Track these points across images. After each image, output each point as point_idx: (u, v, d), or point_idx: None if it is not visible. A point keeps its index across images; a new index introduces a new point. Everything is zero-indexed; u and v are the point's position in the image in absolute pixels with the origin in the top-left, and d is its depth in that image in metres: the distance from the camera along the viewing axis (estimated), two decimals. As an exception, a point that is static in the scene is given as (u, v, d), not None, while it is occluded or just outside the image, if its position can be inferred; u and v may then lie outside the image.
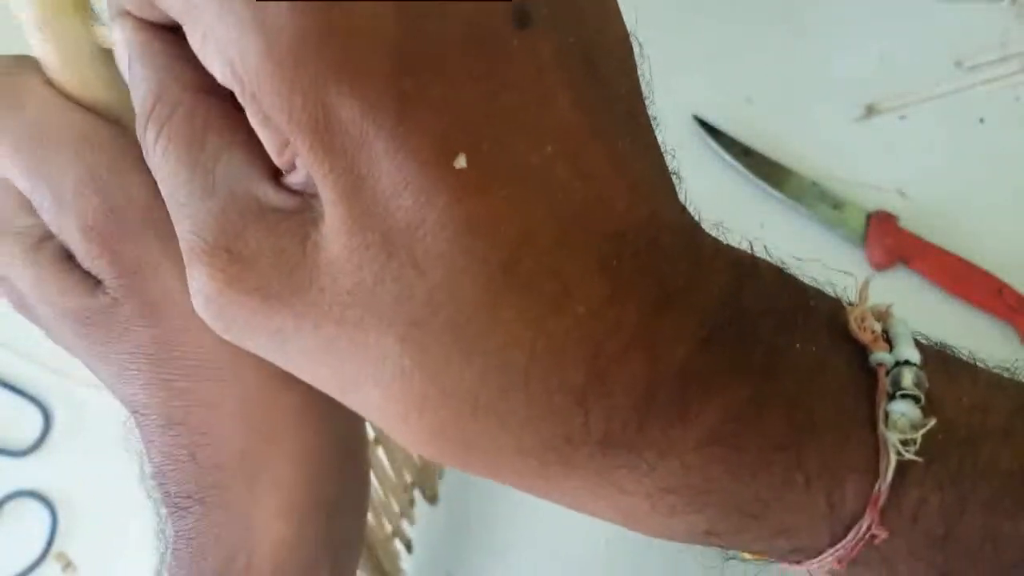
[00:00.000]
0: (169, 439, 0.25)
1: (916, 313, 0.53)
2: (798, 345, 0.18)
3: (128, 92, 0.22)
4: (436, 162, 0.14)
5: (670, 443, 0.17)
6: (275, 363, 0.17)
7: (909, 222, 0.49)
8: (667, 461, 0.17)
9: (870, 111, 0.52)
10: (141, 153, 0.19)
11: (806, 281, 0.20)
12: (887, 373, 0.18)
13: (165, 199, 0.18)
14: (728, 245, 0.19)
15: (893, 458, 0.17)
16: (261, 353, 0.17)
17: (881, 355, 0.18)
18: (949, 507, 0.17)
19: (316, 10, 0.14)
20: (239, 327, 0.17)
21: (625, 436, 0.16)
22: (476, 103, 0.15)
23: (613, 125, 0.17)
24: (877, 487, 0.17)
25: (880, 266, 0.49)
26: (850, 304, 0.19)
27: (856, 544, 0.17)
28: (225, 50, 0.15)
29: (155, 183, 0.19)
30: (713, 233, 0.20)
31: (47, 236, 0.23)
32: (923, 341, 0.20)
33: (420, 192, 0.15)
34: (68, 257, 0.23)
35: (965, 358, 0.21)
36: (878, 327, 0.19)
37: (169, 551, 0.26)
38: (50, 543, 0.48)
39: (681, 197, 0.20)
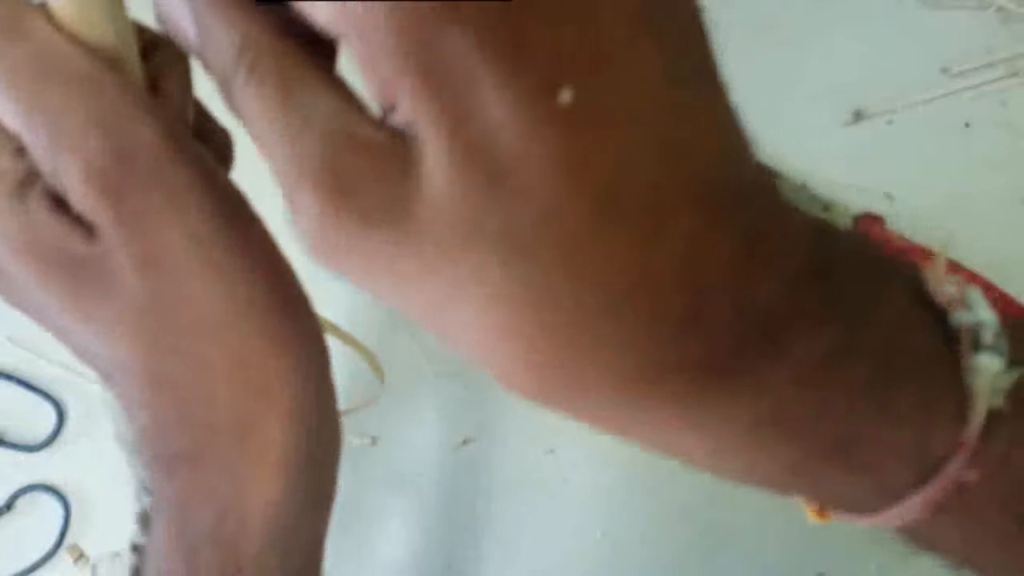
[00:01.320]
0: (157, 399, 0.24)
1: None
2: (883, 299, 0.18)
3: (132, 36, 0.22)
4: (542, 98, 0.15)
5: (762, 376, 0.17)
6: (367, 289, 0.17)
7: (896, 225, 0.50)
8: (760, 393, 0.17)
9: (858, 116, 0.53)
10: (147, 99, 0.21)
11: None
12: (969, 330, 0.18)
13: (254, 139, 0.18)
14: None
15: (983, 405, 0.18)
16: (355, 279, 0.17)
17: (963, 314, 0.19)
18: None
19: None
20: (338, 253, 0.17)
21: (721, 364, 0.17)
22: (577, 41, 0.15)
23: (698, 72, 0.18)
24: (967, 432, 0.18)
25: None
26: (928, 268, 0.20)
27: (945, 487, 0.18)
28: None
29: (164, 131, 0.20)
30: None
31: (32, 178, 0.22)
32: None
33: (525, 126, 0.15)
34: (58, 202, 0.22)
35: None
36: (955, 289, 0.19)
37: (156, 515, 0.26)
38: (63, 536, 0.49)
39: None
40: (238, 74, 0.18)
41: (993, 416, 0.18)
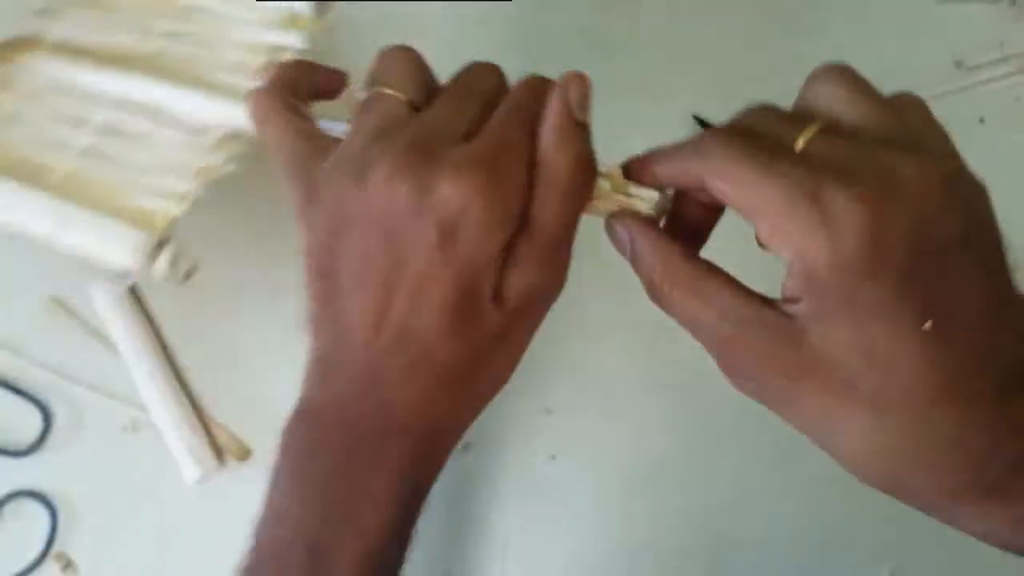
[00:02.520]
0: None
1: None
2: None
3: None
4: (914, 328, 0.25)
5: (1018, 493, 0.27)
6: (780, 413, 0.29)
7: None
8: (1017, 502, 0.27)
9: (870, 111, 0.52)
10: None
11: None
12: None
13: (681, 322, 0.30)
14: None
15: None
16: (771, 405, 0.29)
17: None
18: None
19: (869, 238, 0.25)
20: (762, 391, 0.29)
21: (1002, 484, 0.26)
22: (941, 291, 0.26)
23: (1002, 300, 0.27)
24: None
25: None
26: None
27: None
28: (801, 248, 0.26)
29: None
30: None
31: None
32: None
33: (901, 341, 0.25)
34: None
35: None
36: None
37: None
38: (50, 543, 0.49)
39: None
40: (662, 289, 0.30)
41: None
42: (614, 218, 0.31)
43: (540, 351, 0.46)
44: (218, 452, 0.49)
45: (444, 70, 0.54)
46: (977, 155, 0.51)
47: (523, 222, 0.30)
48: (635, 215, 0.31)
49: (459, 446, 0.49)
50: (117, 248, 0.41)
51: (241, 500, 0.44)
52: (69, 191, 0.43)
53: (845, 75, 0.30)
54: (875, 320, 0.25)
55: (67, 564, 0.49)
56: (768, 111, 0.30)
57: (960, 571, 0.45)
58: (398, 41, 0.55)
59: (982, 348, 0.26)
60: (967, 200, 0.27)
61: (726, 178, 0.27)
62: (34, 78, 0.48)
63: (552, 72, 0.53)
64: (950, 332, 0.25)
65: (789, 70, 0.53)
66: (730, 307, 0.28)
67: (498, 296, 0.31)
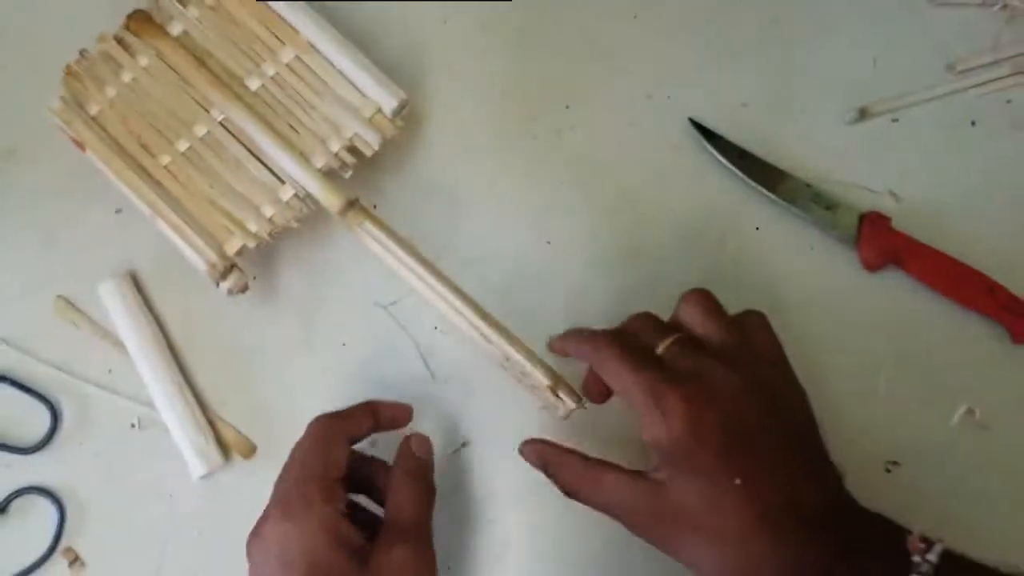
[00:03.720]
0: None
1: (908, 314, 0.54)
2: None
3: None
4: (729, 481, 0.36)
5: None
6: (661, 548, 0.39)
7: (901, 223, 0.50)
8: None
9: (863, 114, 0.52)
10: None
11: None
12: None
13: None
14: (863, 512, 0.38)
15: None
16: (651, 541, 0.39)
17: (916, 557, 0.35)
18: None
19: (690, 427, 0.38)
20: (643, 531, 0.39)
21: None
22: (746, 460, 0.37)
23: (801, 445, 0.38)
24: None
25: (872, 267, 0.50)
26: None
27: None
28: (650, 429, 0.38)
29: None
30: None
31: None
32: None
33: (722, 490, 0.36)
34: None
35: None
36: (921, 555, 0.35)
37: None
38: (58, 539, 0.49)
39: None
40: (573, 489, 0.41)
41: None
42: (527, 444, 0.43)
43: (538, 349, 0.47)
44: (224, 449, 0.50)
45: (446, 72, 0.55)
46: (968, 158, 0.52)
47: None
48: (540, 442, 0.43)
49: (456, 443, 0.49)
50: (194, 255, 0.48)
51: (246, 496, 0.45)
52: (167, 182, 0.49)
53: (703, 299, 0.41)
54: (705, 479, 0.36)
55: (75, 559, 0.49)
56: (648, 319, 0.42)
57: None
58: (398, 43, 0.56)
59: (784, 497, 0.36)
60: (768, 398, 0.38)
61: (607, 372, 0.40)
62: (157, 61, 0.51)
63: (552, 73, 0.54)
64: (757, 486, 0.36)
65: (785, 74, 0.54)
66: (617, 483, 0.39)
67: None
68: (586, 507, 0.41)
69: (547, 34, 0.55)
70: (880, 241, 0.49)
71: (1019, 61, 0.53)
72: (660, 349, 0.40)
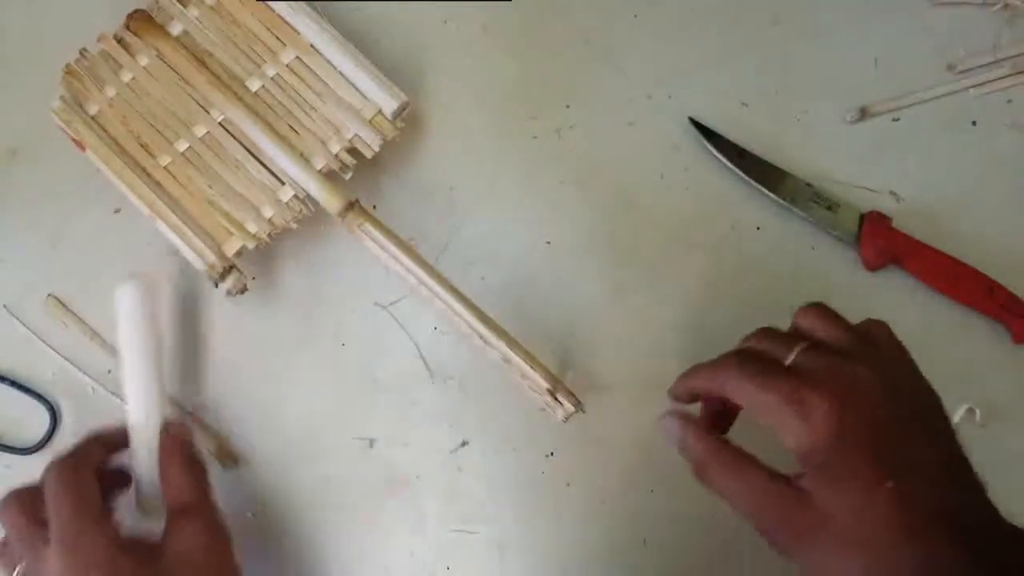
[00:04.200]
0: None
1: (908, 313, 0.54)
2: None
3: None
4: (879, 485, 0.34)
5: None
6: (796, 559, 0.36)
7: (902, 223, 0.50)
8: None
9: (864, 113, 0.52)
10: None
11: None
12: None
13: (721, 492, 0.38)
14: (997, 515, 0.35)
15: None
16: (789, 554, 0.36)
17: None
18: None
19: (836, 429, 0.35)
20: (783, 544, 0.36)
21: None
22: (898, 461, 0.35)
23: (954, 452, 0.36)
24: None
25: (873, 266, 0.50)
26: None
27: None
28: (793, 436, 0.36)
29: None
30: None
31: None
32: None
33: (872, 497, 0.34)
34: None
35: None
36: None
37: None
38: (57, 539, 0.49)
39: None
40: (707, 470, 0.38)
41: None
42: (668, 416, 0.40)
43: (538, 351, 0.46)
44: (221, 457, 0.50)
45: (446, 72, 0.55)
46: (969, 157, 0.52)
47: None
48: (683, 415, 0.40)
49: (457, 442, 0.49)
50: (193, 255, 0.48)
51: (232, 504, 0.45)
52: (167, 182, 0.49)
53: (822, 310, 0.40)
54: (855, 483, 0.34)
55: (74, 560, 0.49)
56: (770, 334, 0.41)
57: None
58: (399, 43, 0.56)
59: (935, 500, 0.34)
60: (906, 394, 0.37)
61: (737, 393, 0.38)
62: (157, 61, 0.51)
63: (552, 73, 0.54)
64: (908, 488, 0.34)
65: (786, 74, 0.54)
66: (758, 482, 0.37)
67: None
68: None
69: (547, 34, 0.55)
70: (880, 241, 0.49)
71: (1019, 61, 0.53)
72: (790, 359, 0.38)
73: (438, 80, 0.55)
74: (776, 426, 0.37)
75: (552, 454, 0.49)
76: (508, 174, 0.53)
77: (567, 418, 0.44)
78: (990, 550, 0.34)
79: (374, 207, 0.52)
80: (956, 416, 0.47)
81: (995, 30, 0.53)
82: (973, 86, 0.53)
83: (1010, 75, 0.53)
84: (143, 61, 0.51)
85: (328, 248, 0.52)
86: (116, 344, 0.48)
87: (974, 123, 0.52)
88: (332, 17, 0.52)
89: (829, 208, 0.50)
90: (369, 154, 0.49)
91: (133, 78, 0.51)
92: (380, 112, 0.50)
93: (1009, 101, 0.52)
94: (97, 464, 0.43)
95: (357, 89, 0.50)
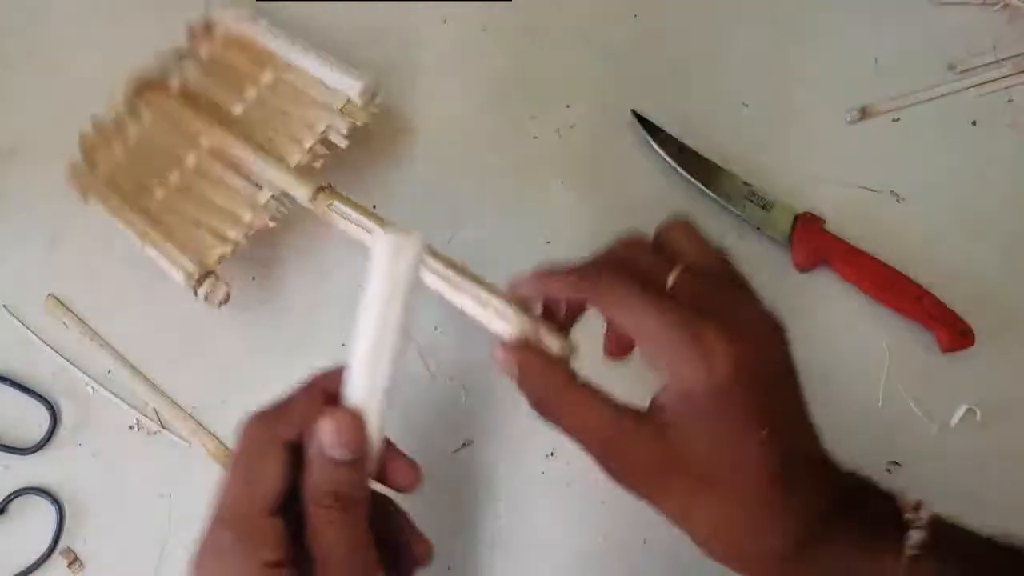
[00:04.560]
0: None
1: (838, 316, 0.54)
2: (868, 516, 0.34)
3: None
4: (754, 433, 0.32)
5: (823, 552, 0.33)
6: (652, 504, 0.35)
7: (903, 223, 0.50)
8: (826, 559, 0.33)
9: (864, 114, 0.52)
10: None
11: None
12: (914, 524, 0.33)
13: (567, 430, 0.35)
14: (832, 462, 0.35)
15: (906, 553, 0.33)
16: (643, 496, 0.35)
17: (913, 535, 0.33)
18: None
19: (732, 369, 0.32)
20: (637, 486, 0.35)
21: (812, 552, 0.33)
22: (773, 411, 0.33)
23: (805, 412, 0.34)
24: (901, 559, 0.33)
25: (804, 267, 0.49)
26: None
27: None
28: (681, 373, 0.32)
29: None
30: None
31: None
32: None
33: (743, 443, 0.32)
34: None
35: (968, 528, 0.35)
36: (914, 517, 0.34)
37: None
38: (57, 539, 0.49)
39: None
40: (549, 405, 0.35)
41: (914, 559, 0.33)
42: (502, 350, 0.36)
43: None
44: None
45: (446, 71, 0.55)
46: (969, 157, 0.52)
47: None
48: (524, 343, 0.36)
49: (458, 442, 0.49)
50: (175, 270, 0.49)
51: None
52: (160, 214, 0.51)
53: (692, 228, 0.36)
54: (727, 429, 0.32)
55: (73, 560, 0.49)
56: (641, 246, 0.36)
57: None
58: (399, 43, 0.56)
59: (802, 450, 0.34)
60: (785, 341, 0.34)
61: (619, 308, 0.33)
62: (155, 116, 0.53)
63: (552, 73, 0.54)
64: (781, 437, 0.32)
65: (786, 74, 0.54)
66: (605, 416, 0.34)
67: None
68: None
69: (547, 34, 0.55)
70: (812, 242, 0.49)
71: (1020, 61, 0.53)
72: (671, 281, 0.34)
73: (437, 80, 0.55)
74: (662, 358, 0.33)
75: (552, 454, 0.49)
76: (508, 174, 0.53)
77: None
78: (850, 499, 0.34)
79: (374, 206, 0.52)
80: (956, 417, 0.47)
81: (995, 30, 0.53)
82: (974, 86, 0.53)
83: (1010, 75, 0.53)
84: (146, 121, 0.53)
85: (329, 249, 0.52)
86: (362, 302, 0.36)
87: (974, 123, 0.52)
88: (331, 16, 0.52)
89: (764, 207, 0.50)
90: (340, 142, 0.50)
91: (137, 138, 0.52)
92: (349, 100, 0.50)
93: (1010, 101, 0.52)
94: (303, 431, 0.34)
95: (325, 85, 0.51)
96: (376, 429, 0.35)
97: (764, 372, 0.33)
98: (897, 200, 0.51)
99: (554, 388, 0.35)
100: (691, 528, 0.34)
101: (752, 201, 0.50)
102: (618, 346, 0.40)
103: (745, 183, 0.50)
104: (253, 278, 0.52)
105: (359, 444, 0.34)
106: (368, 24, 0.55)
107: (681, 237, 0.36)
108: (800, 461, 0.33)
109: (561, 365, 0.35)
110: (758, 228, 0.50)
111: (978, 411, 0.47)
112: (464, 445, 0.49)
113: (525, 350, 0.36)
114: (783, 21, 0.54)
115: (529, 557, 0.48)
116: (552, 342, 0.37)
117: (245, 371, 0.51)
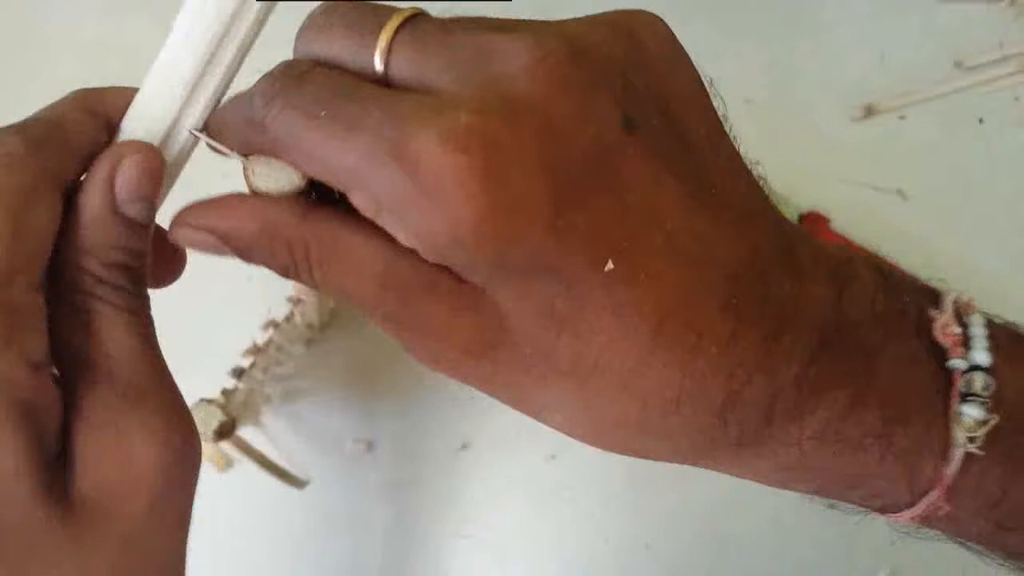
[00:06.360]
0: None
1: None
2: (891, 347, 0.21)
3: None
4: (591, 273, 0.19)
5: (788, 437, 0.21)
6: (484, 392, 0.23)
7: (909, 221, 0.49)
8: (786, 449, 0.22)
9: (869, 111, 0.52)
10: None
11: (898, 270, 0.24)
12: (962, 375, 0.22)
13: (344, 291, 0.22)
14: (825, 246, 0.23)
15: (959, 451, 0.21)
16: (472, 385, 0.23)
17: (956, 361, 0.22)
18: (1004, 475, 0.22)
19: (485, 200, 0.18)
20: (447, 369, 0.22)
21: (754, 436, 0.21)
22: (612, 215, 0.19)
23: (705, 176, 0.20)
24: (947, 470, 0.21)
25: None
26: (936, 310, 0.22)
27: (926, 510, 0.22)
28: (410, 224, 0.19)
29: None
30: None
31: None
32: (997, 322, 0.24)
33: (580, 294, 0.19)
34: None
35: None
36: (958, 331, 0.22)
37: None
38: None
39: None
40: (303, 270, 0.21)
41: (969, 457, 0.21)
42: (180, 221, 0.22)
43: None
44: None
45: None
46: (976, 155, 0.51)
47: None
48: (216, 206, 0.22)
49: (457, 444, 0.49)
50: None
51: (223, 508, 0.44)
52: None
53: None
54: (542, 282, 0.19)
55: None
56: (343, 11, 0.21)
57: (959, 572, 0.45)
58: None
59: (693, 267, 0.19)
60: (618, 62, 0.19)
61: (295, 151, 0.20)
62: None
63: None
64: (642, 261, 0.19)
65: (790, 71, 0.53)
66: (388, 270, 0.20)
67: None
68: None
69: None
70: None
71: (1027, 58, 0.52)
72: (378, 59, 0.20)
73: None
74: (370, 209, 0.20)
75: (553, 457, 0.48)
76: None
77: None
78: (837, 345, 0.21)
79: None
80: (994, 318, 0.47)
81: (1002, 27, 0.53)
82: (980, 83, 0.52)
83: (1017, 72, 0.52)
84: None
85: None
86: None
87: (981, 120, 0.52)
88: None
89: None
90: None
91: None
92: None
93: (1016, 98, 0.52)
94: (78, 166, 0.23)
95: None
96: (168, 181, 0.24)
97: (567, 163, 0.19)
98: (903, 199, 0.50)
99: (315, 235, 0.21)
100: (551, 424, 0.23)
101: None
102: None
103: None
104: (249, 279, 0.51)
105: (156, 199, 0.23)
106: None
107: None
108: (713, 291, 0.20)
109: (295, 201, 0.21)
110: None
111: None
112: (463, 447, 0.49)
113: (257, 201, 0.21)
114: (787, 16, 0.54)
115: (530, 562, 0.48)
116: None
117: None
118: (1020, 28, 0.53)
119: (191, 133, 0.24)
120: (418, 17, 0.20)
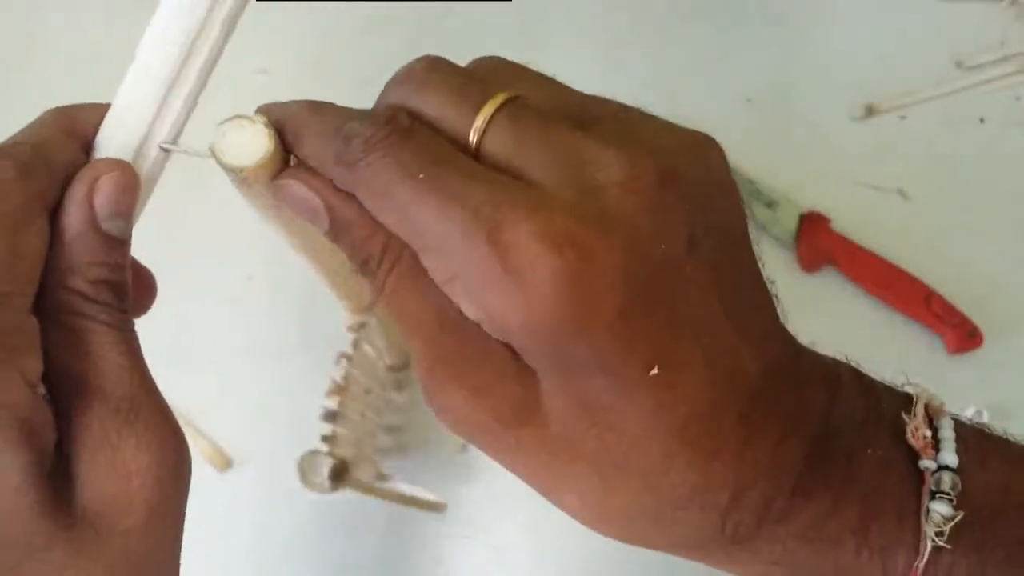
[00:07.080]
0: None
1: (844, 317, 0.54)
2: (869, 451, 0.23)
3: None
4: (638, 375, 0.21)
5: (774, 535, 0.23)
6: (503, 466, 0.24)
7: (910, 221, 0.49)
8: (771, 547, 0.23)
9: (870, 111, 0.52)
10: None
11: (875, 377, 0.26)
12: (932, 474, 0.23)
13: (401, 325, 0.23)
14: (816, 355, 0.25)
15: (929, 544, 0.23)
16: (490, 453, 0.24)
17: (927, 462, 0.23)
18: (970, 567, 0.23)
19: (567, 300, 0.20)
20: (480, 441, 0.23)
21: (747, 535, 0.23)
22: (664, 325, 0.21)
23: (738, 295, 0.22)
24: (916, 563, 0.23)
25: (809, 267, 0.49)
26: (910, 414, 0.24)
27: None
28: (484, 303, 0.21)
29: None
30: None
31: None
32: (966, 422, 0.26)
33: (624, 392, 0.21)
34: None
35: (1000, 435, 0.26)
36: (928, 434, 0.24)
37: None
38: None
39: None
40: (381, 271, 0.22)
41: (938, 550, 0.23)
42: (293, 175, 0.23)
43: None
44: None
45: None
46: (977, 155, 0.51)
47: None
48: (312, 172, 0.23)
49: (458, 444, 0.49)
50: None
51: (223, 509, 0.44)
52: None
53: (520, 66, 0.24)
54: (591, 376, 0.21)
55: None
56: (445, 73, 0.22)
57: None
58: (397, 42, 0.55)
59: (721, 380, 0.21)
60: (689, 201, 0.21)
61: (382, 205, 0.21)
62: None
63: (551, 72, 0.54)
64: (682, 370, 0.21)
65: (791, 70, 0.53)
66: (455, 311, 0.21)
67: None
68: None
69: (547, 32, 0.54)
70: (817, 242, 0.48)
71: (1028, 58, 0.52)
72: (473, 136, 0.21)
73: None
74: (449, 279, 0.21)
75: (553, 457, 0.48)
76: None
77: None
78: (831, 436, 0.23)
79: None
80: (962, 419, 0.47)
81: (1003, 26, 0.53)
82: (981, 83, 0.52)
83: (1018, 72, 0.52)
84: None
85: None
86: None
87: (982, 120, 0.52)
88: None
89: (769, 206, 0.50)
90: None
91: None
92: None
93: (1017, 98, 0.52)
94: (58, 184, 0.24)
95: None
96: (143, 196, 0.24)
97: (639, 275, 0.20)
98: (904, 198, 0.50)
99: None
100: (562, 507, 0.24)
101: (757, 199, 0.50)
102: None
103: (750, 181, 0.50)
104: (250, 278, 0.51)
105: (131, 215, 0.24)
106: (367, 22, 0.54)
107: (503, 68, 0.24)
108: (734, 403, 0.21)
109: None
110: (763, 227, 0.50)
111: (985, 412, 0.47)
112: (464, 448, 0.49)
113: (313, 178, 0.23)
114: (788, 16, 0.54)
115: (531, 562, 0.48)
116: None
117: (240, 372, 0.51)
118: (1020, 28, 0.53)
119: (162, 148, 0.24)
120: (518, 101, 0.22)
